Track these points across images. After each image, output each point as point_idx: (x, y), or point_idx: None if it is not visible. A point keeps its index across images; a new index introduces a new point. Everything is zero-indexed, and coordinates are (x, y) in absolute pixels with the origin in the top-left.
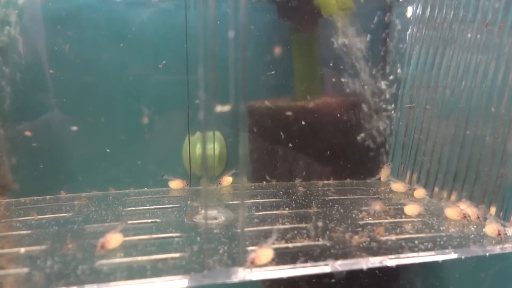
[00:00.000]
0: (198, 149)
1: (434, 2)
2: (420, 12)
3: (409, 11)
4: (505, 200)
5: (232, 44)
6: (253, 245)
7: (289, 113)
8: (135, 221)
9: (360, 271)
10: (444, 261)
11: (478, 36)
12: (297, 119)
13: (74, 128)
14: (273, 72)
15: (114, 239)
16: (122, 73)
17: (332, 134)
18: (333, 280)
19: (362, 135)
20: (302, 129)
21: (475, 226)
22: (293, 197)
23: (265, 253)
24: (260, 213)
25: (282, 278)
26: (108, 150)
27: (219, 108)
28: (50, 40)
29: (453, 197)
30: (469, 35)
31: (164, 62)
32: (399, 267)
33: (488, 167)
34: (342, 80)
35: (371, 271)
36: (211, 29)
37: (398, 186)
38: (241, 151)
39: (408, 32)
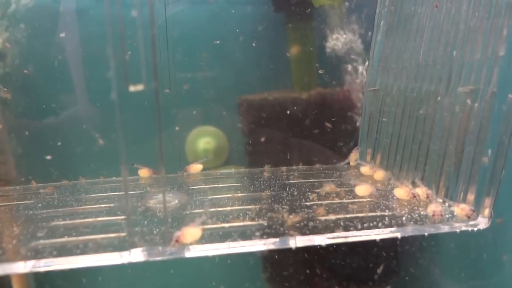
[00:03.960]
0: (204, 143)
1: None
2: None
3: None
4: (450, 179)
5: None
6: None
7: (283, 105)
8: (89, 206)
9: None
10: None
11: (430, 16)
12: (288, 109)
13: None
14: (206, 55)
15: None
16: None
17: (315, 122)
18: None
19: (341, 120)
20: (286, 118)
21: (422, 206)
22: (255, 182)
23: (191, 232)
24: (214, 196)
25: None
26: (59, 144)
27: (132, 88)
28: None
29: (409, 177)
30: (421, 16)
31: (129, 52)
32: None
33: (438, 147)
34: (334, 70)
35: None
36: (118, 11)
37: (366, 170)
38: (158, 138)
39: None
